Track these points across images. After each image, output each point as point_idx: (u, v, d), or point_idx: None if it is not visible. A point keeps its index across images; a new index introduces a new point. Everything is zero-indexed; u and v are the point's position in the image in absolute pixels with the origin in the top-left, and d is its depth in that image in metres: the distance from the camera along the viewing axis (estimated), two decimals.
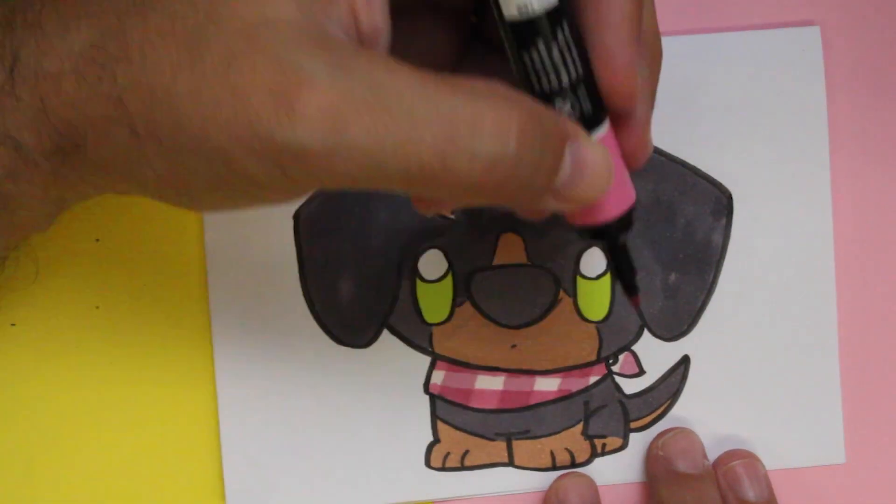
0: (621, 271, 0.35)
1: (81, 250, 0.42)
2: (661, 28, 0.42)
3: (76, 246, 0.42)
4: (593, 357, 0.43)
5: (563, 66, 0.31)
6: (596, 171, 0.31)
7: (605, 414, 0.43)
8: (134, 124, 0.30)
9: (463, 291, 0.42)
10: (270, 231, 0.42)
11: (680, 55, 0.42)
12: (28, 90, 0.31)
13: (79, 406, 0.42)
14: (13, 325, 0.42)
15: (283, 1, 0.29)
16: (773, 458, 0.43)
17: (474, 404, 0.43)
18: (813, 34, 0.43)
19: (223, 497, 0.42)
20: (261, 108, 0.28)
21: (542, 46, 0.30)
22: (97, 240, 0.42)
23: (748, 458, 0.43)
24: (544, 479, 0.43)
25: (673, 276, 0.43)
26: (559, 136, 0.30)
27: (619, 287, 0.43)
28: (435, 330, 0.42)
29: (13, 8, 0.31)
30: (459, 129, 0.29)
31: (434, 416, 0.42)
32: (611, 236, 0.34)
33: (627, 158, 0.34)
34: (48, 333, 0.42)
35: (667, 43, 0.42)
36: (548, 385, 0.43)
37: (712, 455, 0.43)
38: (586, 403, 0.43)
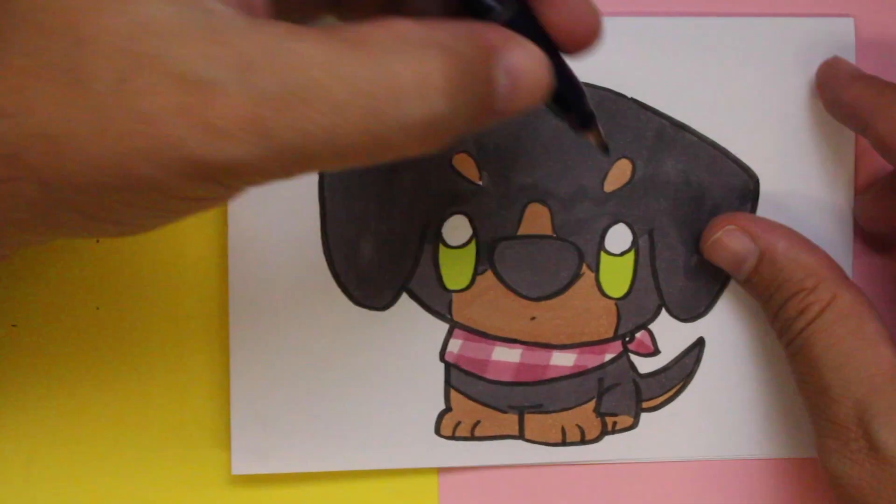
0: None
1: (81, 250, 0.41)
2: (699, 9, 0.42)
3: (76, 246, 0.41)
4: (610, 334, 0.42)
5: None
6: (533, 78, 0.29)
7: (619, 392, 0.43)
8: (42, 177, 0.27)
9: (485, 259, 0.42)
10: (294, 186, 0.41)
11: (714, 37, 0.42)
12: None
13: (79, 405, 0.41)
14: (14, 325, 0.41)
15: None
16: (782, 446, 0.43)
17: (490, 375, 0.42)
18: (846, 25, 0.43)
19: (229, 453, 0.42)
20: (178, 130, 0.26)
21: None
22: (97, 240, 0.41)
23: None
24: (553, 454, 0.43)
25: (695, 258, 0.42)
26: (483, 60, 0.28)
27: (640, 265, 0.42)
28: (455, 297, 0.42)
29: None
30: (381, 100, 0.27)
31: (448, 385, 0.42)
32: None
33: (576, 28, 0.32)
34: (48, 333, 0.41)
35: (702, 24, 0.42)
36: (564, 360, 0.42)
37: (713, 445, 0.43)
38: (600, 380, 0.43)
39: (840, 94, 0.40)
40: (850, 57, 0.43)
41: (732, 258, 0.41)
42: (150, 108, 0.26)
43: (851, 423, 0.37)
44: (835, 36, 0.43)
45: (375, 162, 0.28)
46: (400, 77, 0.27)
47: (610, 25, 0.42)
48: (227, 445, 0.42)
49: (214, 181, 0.27)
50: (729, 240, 0.40)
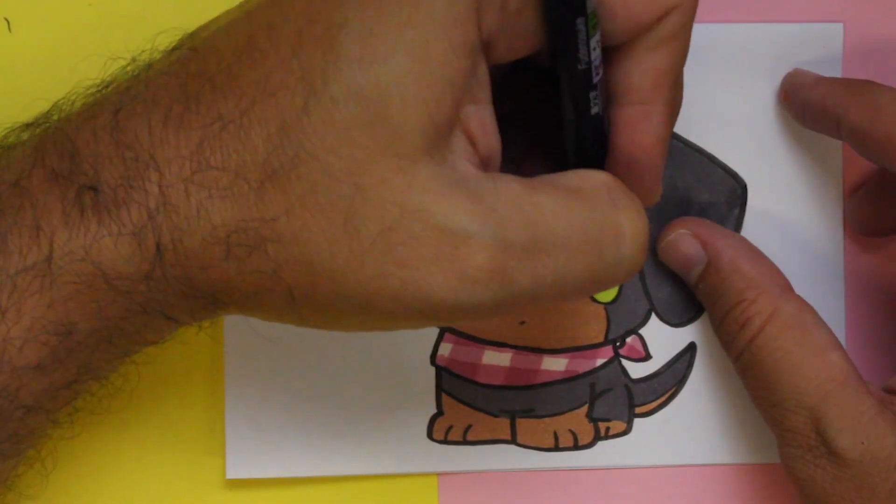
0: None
1: None
2: None
3: None
4: (601, 338, 0.43)
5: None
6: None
7: (611, 397, 0.43)
8: (291, 293, 0.30)
9: None
10: None
11: (702, 43, 0.42)
12: (174, 270, 0.31)
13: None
14: None
15: (418, 155, 0.29)
16: (774, 451, 0.43)
17: (480, 379, 0.43)
18: (836, 31, 0.43)
19: (223, 457, 0.42)
20: (430, 277, 0.29)
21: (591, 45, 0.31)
22: None
23: None
24: (546, 459, 0.43)
25: None
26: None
27: None
28: None
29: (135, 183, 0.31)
30: (605, 245, 0.31)
31: (439, 389, 0.43)
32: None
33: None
34: None
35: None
36: (555, 365, 0.43)
37: (719, 446, 0.43)
38: (592, 385, 0.43)
39: (808, 97, 0.40)
40: (839, 62, 0.43)
41: (682, 262, 0.41)
42: (411, 255, 0.29)
43: (809, 430, 0.37)
44: (824, 41, 0.43)
45: (583, 298, 0.33)
46: (622, 226, 0.31)
47: None
48: (221, 449, 0.42)
49: (445, 321, 0.31)
50: (680, 243, 0.41)
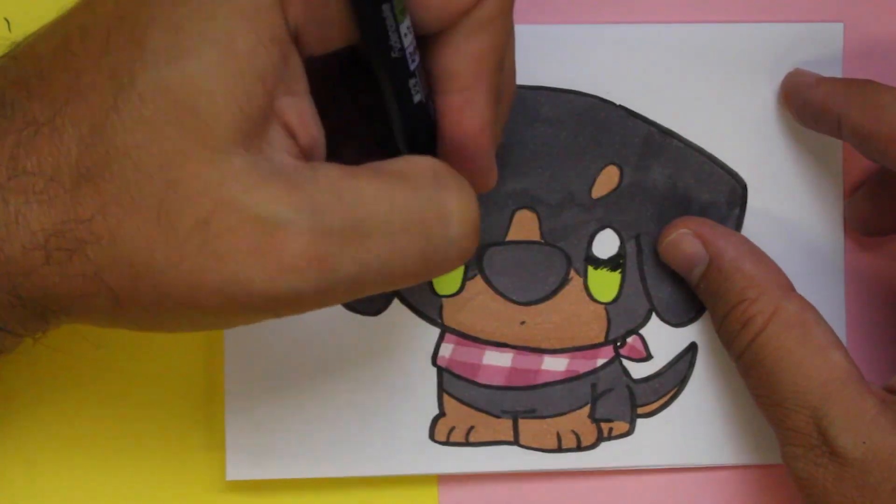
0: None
1: None
2: (689, 15, 0.43)
3: None
4: (601, 338, 0.43)
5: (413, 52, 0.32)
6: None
7: (613, 398, 0.43)
8: (115, 295, 0.30)
9: (475, 265, 0.42)
10: None
11: (702, 43, 0.43)
12: None
13: (75, 411, 0.42)
14: None
15: (231, 147, 0.29)
16: (776, 452, 0.43)
17: (482, 380, 0.43)
18: (836, 31, 0.43)
19: (223, 459, 0.42)
20: (249, 269, 0.29)
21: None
22: None
23: None
24: (549, 461, 0.43)
25: None
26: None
27: (629, 270, 0.43)
28: (445, 302, 0.42)
29: None
30: (432, 226, 0.31)
31: (441, 389, 0.42)
32: None
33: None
34: (44, 338, 0.41)
35: (690, 31, 0.43)
36: (556, 365, 0.43)
37: (720, 449, 0.43)
38: (594, 386, 0.43)
39: (809, 96, 0.40)
40: (839, 62, 0.43)
41: (684, 261, 0.41)
42: (226, 248, 0.29)
43: (811, 430, 0.37)
44: (824, 41, 0.43)
45: (417, 283, 0.32)
46: (449, 208, 0.31)
47: (598, 33, 0.42)
48: (221, 451, 0.42)
49: (271, 312, 0.30)
50: (682, 243, 0.41)
